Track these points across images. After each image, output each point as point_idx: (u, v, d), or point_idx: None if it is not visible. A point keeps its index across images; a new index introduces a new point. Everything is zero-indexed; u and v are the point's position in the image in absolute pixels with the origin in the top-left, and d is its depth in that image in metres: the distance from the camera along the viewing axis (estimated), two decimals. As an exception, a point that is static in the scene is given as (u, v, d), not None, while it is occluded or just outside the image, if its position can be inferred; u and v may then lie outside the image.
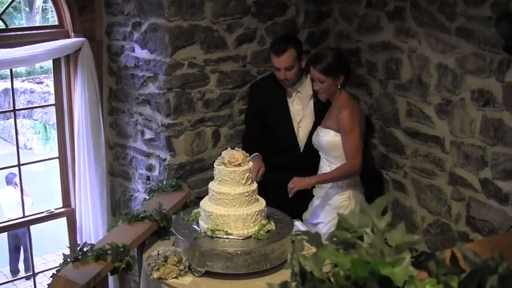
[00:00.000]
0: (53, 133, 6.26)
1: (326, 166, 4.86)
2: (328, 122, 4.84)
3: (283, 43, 4.93)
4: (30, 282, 6.35)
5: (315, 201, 4.97)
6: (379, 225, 1.28)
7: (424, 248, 4.86)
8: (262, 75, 5.46)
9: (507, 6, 3.37)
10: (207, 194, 4.29)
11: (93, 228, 5.57)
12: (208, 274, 4.03)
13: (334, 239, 1.31)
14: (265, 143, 4.89)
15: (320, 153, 4.92)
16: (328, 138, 4.79)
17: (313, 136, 4.95)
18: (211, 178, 4.30)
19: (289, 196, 4.76)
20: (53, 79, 5.56)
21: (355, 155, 4.69)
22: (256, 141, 5.15)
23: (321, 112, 5.04)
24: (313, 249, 1.30)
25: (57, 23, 5.38)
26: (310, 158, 5.01)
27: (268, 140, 5.16)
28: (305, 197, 4.91)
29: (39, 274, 6.34)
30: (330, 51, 4.85)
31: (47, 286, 3.94)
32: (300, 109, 5.17)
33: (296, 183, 4.73)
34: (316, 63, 4.73)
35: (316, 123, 5.06)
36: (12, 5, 5.75)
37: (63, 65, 5.41)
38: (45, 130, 15.98)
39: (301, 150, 5.18)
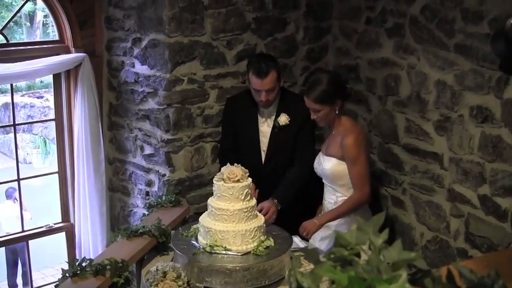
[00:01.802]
0: (53, 148, 6.27)
1: (331, 195, 4.71)
2: (330, 149, 4.65)
3: (264, 65, 4.77)
4: (29, 297, 6.35)
5: (323, 228, 4.73)
6: (376, 243, 1.28)
7: (423, 265, 4.87)
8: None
9: (504, 24, 3.38)
10: (206, 210, 4.27)
11: (92, 243, 5.56)
12: (207, 290, 4.01)
13: (332, 256, 1.32)
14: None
15: (324, 181, 4.78)
16: (330, 166, 4.61)
17: (315, 164, 4.79)
18: (211, 194, 4.29)
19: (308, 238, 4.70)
20: (53, 94, 5.57)
21: (363, 184, 4.53)
22: (232, 155, 4.94)
23: (277, 136, 5.02)
24: (312, 266, 1.30)
25: (57, 38, 5.40)
26: (272, 173, 5.02)
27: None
28: (284, 212, 4.86)
29: (38, 289, 6.33)
30: (324, 77, 4.55)
31: (46, 301, 3.94)
32: (269, 131, 5.07)
33: (309, 229, 4.59)
34: (309, 93, 4.51)
35: (271, 145, 5.04)
36: (13, 19, 5.76)
37: (63, 80, 5.43)
38: (45, 145, 15.97)
39: (263, 162, 5.12)
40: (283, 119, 4.98)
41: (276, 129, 5.03)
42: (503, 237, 4.35)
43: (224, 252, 4.08)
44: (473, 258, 4.39)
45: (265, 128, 5.08)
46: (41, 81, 15.38)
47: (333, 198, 4.69)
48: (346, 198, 4.61)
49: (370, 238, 1.30)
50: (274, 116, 5.03)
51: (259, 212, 4.59)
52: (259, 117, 5.08)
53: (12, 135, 5.46)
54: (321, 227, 4.61)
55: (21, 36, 15.83)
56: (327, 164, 4.64)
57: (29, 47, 5.33)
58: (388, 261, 1.25)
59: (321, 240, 4.75)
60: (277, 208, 4.84)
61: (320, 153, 4.78)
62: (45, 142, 15.89)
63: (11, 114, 5.86)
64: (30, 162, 16.10)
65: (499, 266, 1.92)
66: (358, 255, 1.30)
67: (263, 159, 5.12)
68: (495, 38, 2.39)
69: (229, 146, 5.17)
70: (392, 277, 1.20)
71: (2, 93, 14.85)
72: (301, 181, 5.03)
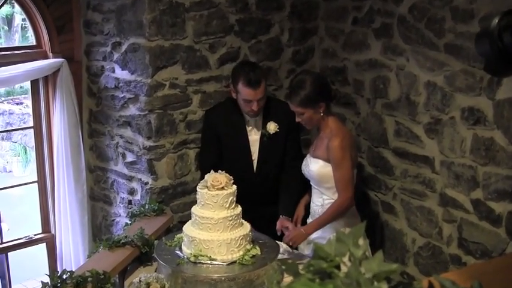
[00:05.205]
0: (33, 155, 6.16)
1: (318, 198, 4.63)
2: (317, 151, 4.58)
3: (254, 74, 4.70)
4: (10, 310, 6.20)
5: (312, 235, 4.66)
6: (356, 254, 1.23)
7: (415, 272, 4.80)
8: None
9: (489, 23, 3.30)
10: (191, 218, 4.20)
11: (73, 254, 5.47)
12: (191, 301, 3.94)
13: (311, 268, 1.26)
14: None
15: (311, 183, 4.70)
16: (317, 168, 4.53)
17: (302, 165, 4.71)
18: (195, 202, 4.22)
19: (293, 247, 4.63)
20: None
21: (346, 188, 4.43)
22: (214, 167, 4.58)
23: (267, 144, 4.97)
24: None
25: (35, 43, 5.30)
26: (264, 181, 4.99)
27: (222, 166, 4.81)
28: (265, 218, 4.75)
29: (19, 302, 6.21)
30: (307, 79, 4.44)
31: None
32: (257, 139, 5.00)
33: (295, 239, 4.52)
34: (292, 96, 4.45)
35: (262, 154, 4.99)
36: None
37: (41, 86, 5.32)
38: (25, 152, 15.93)
39: (255, 171, 5.04)
40: (272, 127, 4.93)
41: (265, 137, 4.97)
42: (497, 243, 4.31)
43: (209, 262, 4.01)
44: (457, 270, 4.32)
45: (253, 137, 5.01)
46: (21, 87, 15.29)
47: (320, 201, 4.61)
48: (333, 201, 4.52)
49: (350, 249, 1.24)
50: (261, 124, 4.98)
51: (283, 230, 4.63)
52: (246, 126, 4.99)
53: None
54: (308, 236, 4.54)
55: (-1, 40, 15.79)
56: (313, 166, 4.56)
57: (5, 52, 5.20)
58: (368, 273, 1.19)
59: (308, 244, 4.68)
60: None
61: (308, 155, 4.71)
62: (25, 150, 15.83)
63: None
64: (10, 171, 16.06)
65: (484, 276, 1.82)
66: (339, 267, 1.24)
67: (255, 169, 5.04)
68: (479, 38, 2.27)
69: (213, 162, 4.85)
70: (371, 290, 1.10)
71: (-21, 101, 14.78)
72: (301, 189, 4.98)
